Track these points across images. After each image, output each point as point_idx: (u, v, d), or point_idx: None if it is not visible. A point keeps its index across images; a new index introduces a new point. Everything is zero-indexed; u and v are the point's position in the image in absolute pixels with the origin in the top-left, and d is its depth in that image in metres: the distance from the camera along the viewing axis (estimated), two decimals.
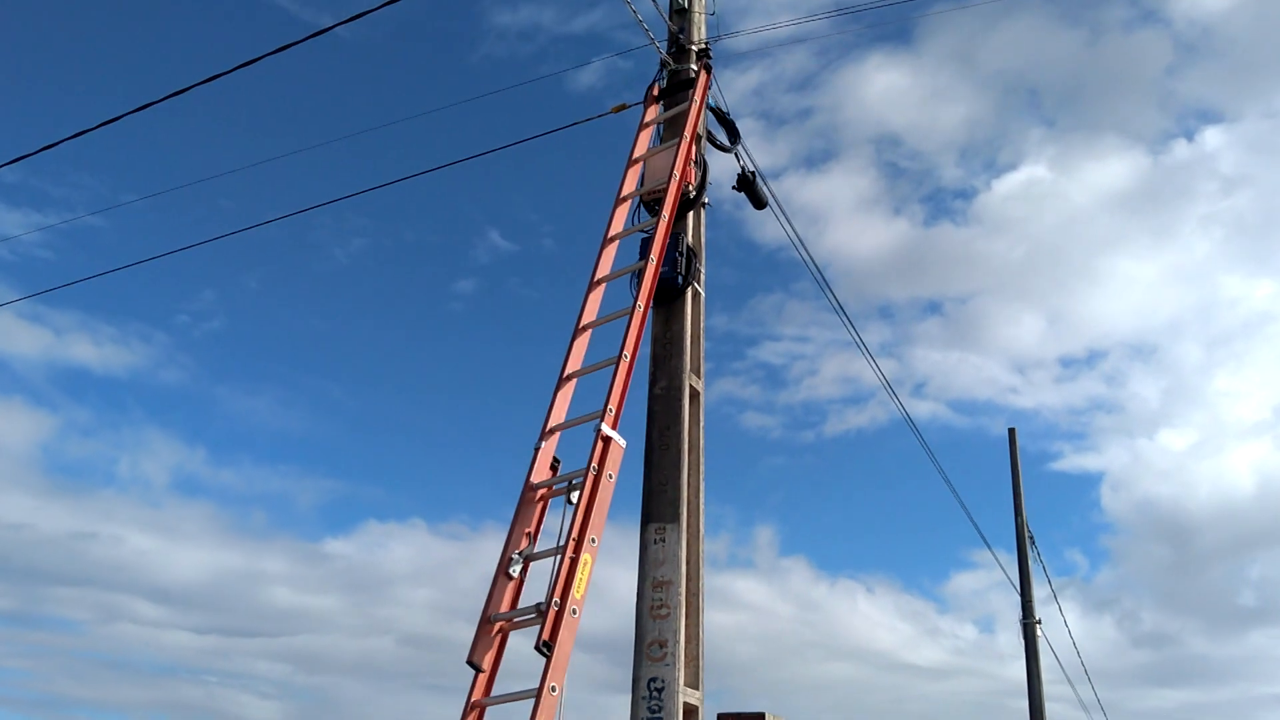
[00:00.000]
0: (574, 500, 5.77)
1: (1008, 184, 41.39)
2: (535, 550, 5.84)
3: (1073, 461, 40.76)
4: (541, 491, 6.08)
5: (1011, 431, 22.04)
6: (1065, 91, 41.01)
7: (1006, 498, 21.10)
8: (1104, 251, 42.39)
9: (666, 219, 7.13)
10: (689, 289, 7.50)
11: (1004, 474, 21.45)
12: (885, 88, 39.55)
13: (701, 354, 7.55)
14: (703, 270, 7.78)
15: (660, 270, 7.03)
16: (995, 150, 41.26)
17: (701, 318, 7.65)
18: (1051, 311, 42.48)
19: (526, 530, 5.93)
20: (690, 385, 7.29)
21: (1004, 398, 40.58)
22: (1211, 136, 41.44)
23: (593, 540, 5.49)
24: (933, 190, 41.47)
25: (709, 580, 6.99)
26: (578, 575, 5.34)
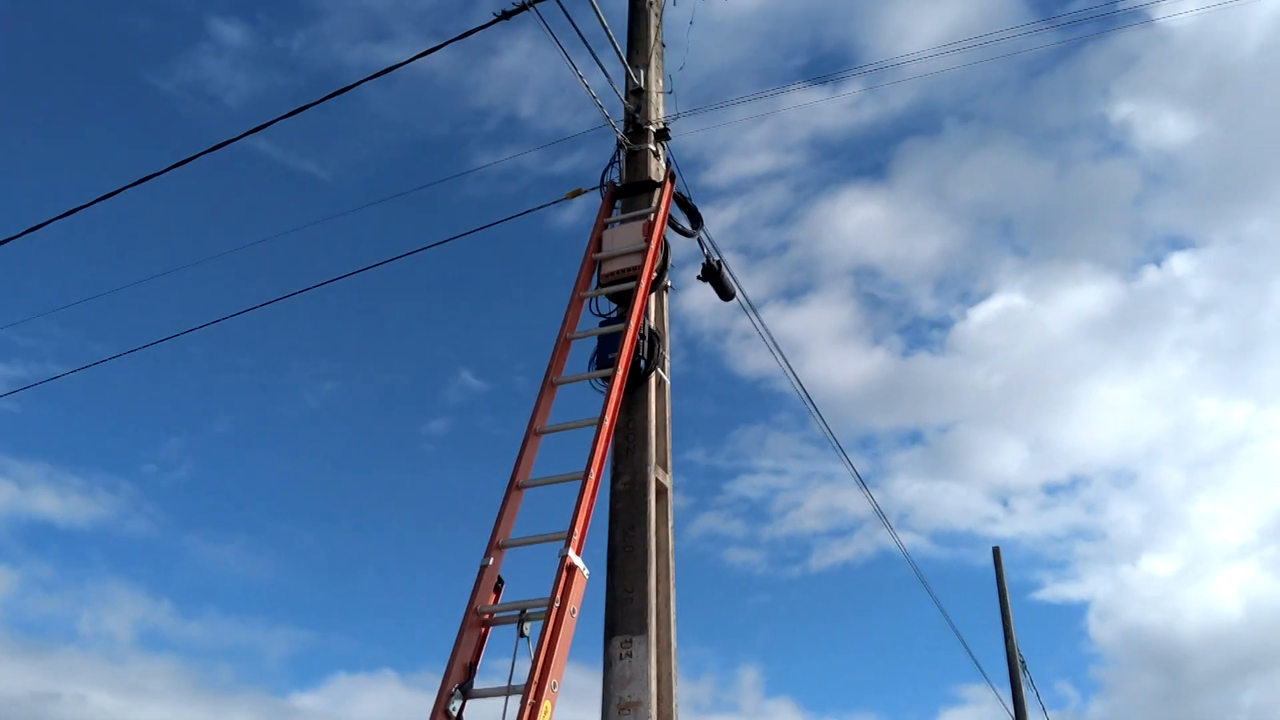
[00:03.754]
0: (526, 633, 5.10)
1: (983, 313, 41.85)
2: (477, 687, 5.10)
3: (1055, 591, 39.67)
4: (486, 617, 5.36)
5: (996, 550, 21.44)
6: (1038, 221, 41.97)
7: (991, 631, 20.36)
8: (1082, 377, 42.54)
9: (632, 329, 6.48)
10: (652, 375, 6.88)
11: (987, 606, 20.71)
12: (862, 221, 40.31)
13: (668, 446, 6.88)
14: (667, 356, 7.19)
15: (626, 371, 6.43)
16: (971, 280, 41.86)
17: (668, 407, 7.01)
18: (1033, 439, 42.27)
19: (466, 661, 5.18)
20: (657, 480, 6.60)
21: (984, 527, 39.91)
22: (1179, 262, 42.44)
23: (554, 685, 4.82)
24: (911, 320, 41.74)
25: None
26: None
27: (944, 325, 41.63)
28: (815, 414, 10.02)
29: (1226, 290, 41.72)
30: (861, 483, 11.03)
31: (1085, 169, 39.99)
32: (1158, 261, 42.62)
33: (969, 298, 41.95)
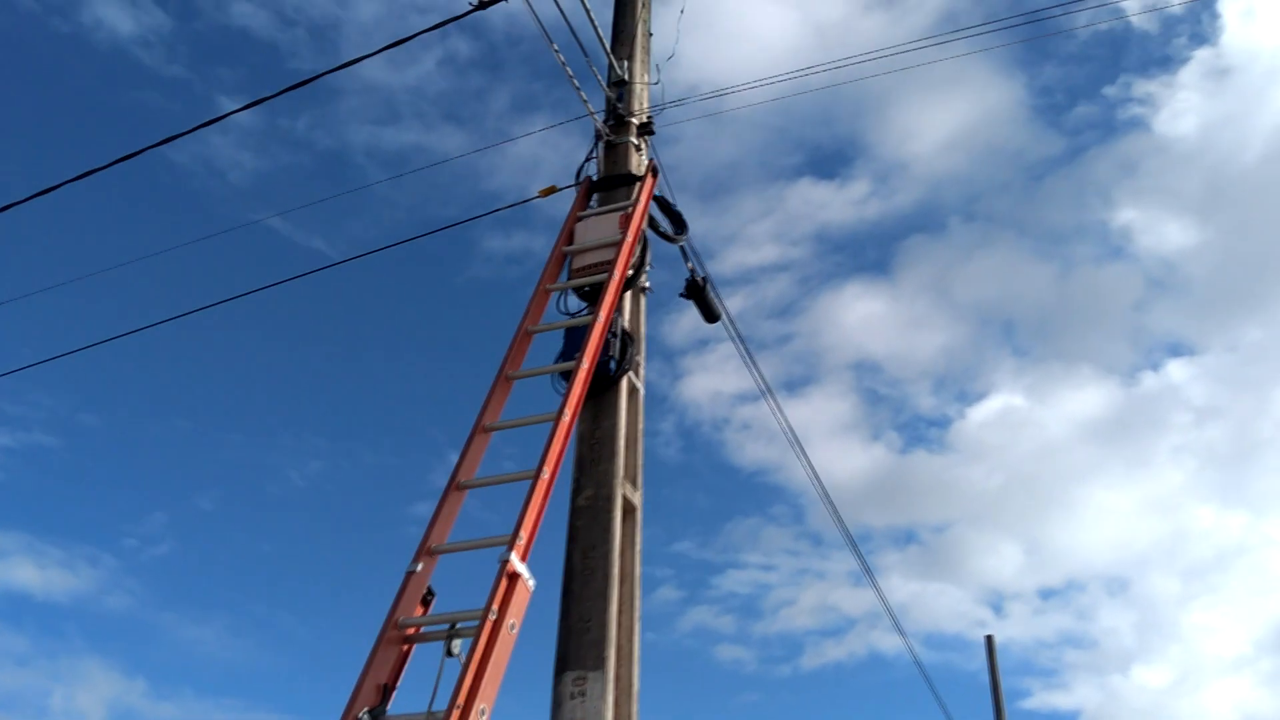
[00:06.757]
0: (456, 651, 4.21)
1: (982, 412, 41.26)
2: (392, 712, 4.16)
3: (1044, 699, 38.12)
4: (410, 631, 4.44)
5: (989, 639, 20.43)
6: (1039, 323, 41.68)
7: None
8: (1080, 480, 41.75)
9: (601, 320, 5.73)
10: (624, 380, 6.08)
11: (976, 711, 19.60)
12: (864, 316, 39.98)
13: (639, 461, 6.05)
14: (642, 362, 6.40)
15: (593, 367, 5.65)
16: (970, 379, 41.35)
17: (640, 417, 6.20)
18: (1029, 541, 41.26)
19: (381, 682, 4.24)
20: (624, 496, 5.75)
21: (975, 631, 38.59)
22: (1177, 369, 42.10)
23: (482, 712, 3.90)
24: (910, 417, 41.08)
25: None
26: None
27: (942, 424, 40.91)
28: (826, 500, 9.20)
29: (1225, 398, 41.27)
30: (869, 572, 10.19)
31: (1087, 272, 39.88)
32: (1155, 367, 42.30)
33: (967, 396, 41.36)
